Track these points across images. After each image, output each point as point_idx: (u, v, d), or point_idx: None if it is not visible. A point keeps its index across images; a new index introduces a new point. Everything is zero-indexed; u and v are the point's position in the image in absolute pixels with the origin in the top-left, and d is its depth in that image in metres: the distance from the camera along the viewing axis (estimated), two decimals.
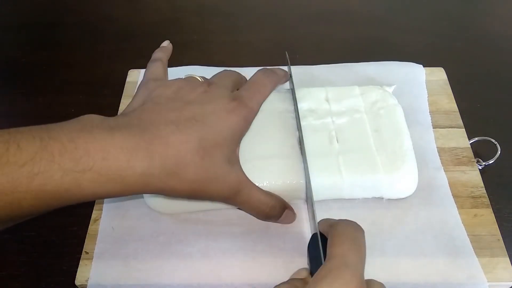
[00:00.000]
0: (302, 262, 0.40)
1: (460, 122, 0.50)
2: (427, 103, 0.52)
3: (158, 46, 0.64)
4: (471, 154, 0.47)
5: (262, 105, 0.44)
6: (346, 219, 0.34)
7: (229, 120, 0.36)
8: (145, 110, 0.35)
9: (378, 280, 0.39)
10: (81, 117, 0.33)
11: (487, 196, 0.44)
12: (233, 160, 0.37)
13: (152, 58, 0.43)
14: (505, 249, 0.40)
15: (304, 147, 0.43)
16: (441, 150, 0.47)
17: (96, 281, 0.39)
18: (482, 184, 0.45)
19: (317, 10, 0.69)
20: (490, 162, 0.48)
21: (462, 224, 0.42)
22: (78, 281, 0.40)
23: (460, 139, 0.48)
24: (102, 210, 0.44)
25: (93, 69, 0.61)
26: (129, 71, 0.57)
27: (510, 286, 0.39)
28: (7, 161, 0.27)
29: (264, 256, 0.40)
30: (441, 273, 0.39)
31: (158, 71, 0.41)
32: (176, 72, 0.55)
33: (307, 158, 0.43)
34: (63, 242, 0.43)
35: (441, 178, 0.45)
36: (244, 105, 0.38)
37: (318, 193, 0.43)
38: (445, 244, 0.41)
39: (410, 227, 0.42)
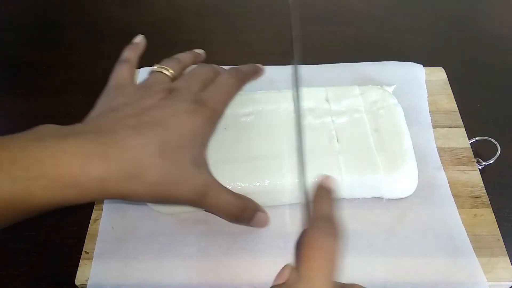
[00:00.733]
0: None
1: (460, 122, 0.50)
2: (427, 103, 0.52)
3: (158, 46, 0.64)
4: (471, 154, 0.47)
5: (260, 104, 0.44)
6: (321, 221, 0.30)
7: (191, 122, 0.35)
8: (103, 117, 0.35)
9: (378, 280, 0.39)
10: (36, 127, 0.32)
11: (487, 196, 0.44)
12: (200, 162, 0.37)
13: (120, 58, 0.42)
14: (505, 249, 0.40)
15: (301, 148, 0.43)
16: (441, 150, 0.47)
17: (96, 281, 0.39)
18: (482, 184, 0.45)
19: (317, 10, 0.69)
20: (490, 162, 0.48)
21: (462, 224, 0.42)
22: (78, 281, 0.40)
23: (460, 139, 0.49)
24: (102, 210, 0.44)
25: (93, 69, 0.61)
26: None
27: (510, 286, 0.39)
28: None
29: (264, 256, 0.40)
30: (441, 273, 0.39)
31: (123, 75, 0.40)
32: None
33: (307, 158, 0.43)
34: (63, 242, 0.43)
35: (441, 178, 0.45)
36: (206, 106, 0.37)
37: None
38: (445, 244, 0.41)
39: (410, 227, 0.42)
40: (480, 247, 0.40)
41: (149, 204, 0.43)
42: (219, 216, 0.40)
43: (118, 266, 0.40)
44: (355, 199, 0.44)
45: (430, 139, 0.48)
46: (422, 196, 0.44)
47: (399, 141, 0.45)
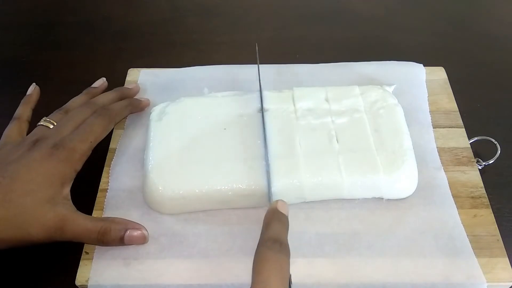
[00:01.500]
0: (302, 262, 0.40)
1: (460, 121, 0.50)
2: (427, 103, 0.52)
3: (158, 46, 0.64)
4: (471, 154, 0.47)
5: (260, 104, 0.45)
6: (269, 241, 0.34)
7: (43, 166, 0.41)
8: None
9: (378, 281, 0.39)
10: None
11: (486, 196, 0.44)
12: (56, 199, 0.40)
13: (14, 115, 0.47)
14: (504, 249, 0.40)
15: (267, 150, 0.43)
16: (441, 150, 0.47)
17: (96, 281, 0.39)
18: (481, 184, 0.45)
19: (317, 10, 0.69)
20: (490, 162, 0.48)
21: (461, 224, 0.42)
22: (78, 281, 0.40)
23: (460, 139, 0.48)
24: (102, 210, 0.44)
25: (93, 68, 0.61)
26: (128, 70, 0.57)
27: (510, 286, 0.39)
28: None
29: None
30: (440, 273, 0.39)
31: (10, 133, 0.45)
32: (176, 73, 0.56)
33: (307, 158, 0.43)
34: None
35: (441, 178, 0.45)
36: (63, 148, 0.42)
37: (318, 193, 0.43)
38: (445, 244, 0.41)
39: (410, 227, 0.42)
40: (479, 248, 0.40)
41: (149, 204, 0.44)
42: (86, 243, 0.42)
43: (118, 266, 0.40)
44: (355, 199, 0.44)
45: (430, 139, 0.48)
46: (422, 196, 0.44)
47: (399, 141, 0.45)
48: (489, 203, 0.44)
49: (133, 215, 0.43)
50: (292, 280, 0.34)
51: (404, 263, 0.40)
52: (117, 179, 0.46)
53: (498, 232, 0.42)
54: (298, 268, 0.39)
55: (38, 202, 0.39)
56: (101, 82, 0.53)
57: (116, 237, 0.40)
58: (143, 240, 0.41)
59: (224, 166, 0.43)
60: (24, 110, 0.48)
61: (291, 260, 0.40)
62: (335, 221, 0.42)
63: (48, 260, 0.42)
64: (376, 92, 0.49)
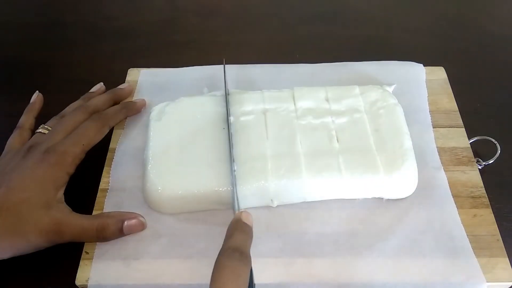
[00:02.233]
0: (302, 262, 0.40)
1: (460, 121, 0.50)
2: (427, 103, 0.52)
3: (158, 46, 0.64)
4: (471, 154, 0.47)
5: (260, 104, 0.45)
6: (229, 250, 0.34)
7: (36, 173, 0.41)
8: None
9: (378, 280, 0.39)
10: None
11: (486, 196, 0.44)
12: (50, 204, 0.41)
13: (18, 124, 0.48)
14: (504, 249, 0.40)
15: (232, 153, 0.43)
16: (441, 150, 0.47)
17: (96, 281, 0.39)
18: (481, 184, 0.45)
19: (317, 10, 0.69)
20: (490, 162, 0.48)
21: (461, 224, 0.42)
22: (78, 281, 0.40)
23: (460, 139, 0.48)
24: (102, 210, 0.44)
25: (93, 68, 0.61)
26: (128, 70, 0.57)
27: (509, 286, 0.39)
28: None
29: (264, 256, 0.40)
30: (440, 273, 0.39)
31: (12, 142, 0.46)
32: (176, 73, 0.56)
33: (307, 157, 0.43)
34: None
35: (441, 178, 0.45)
36: (54, 152, 0.43)
37: (318, 193, 0.43)
38: (445, 244, 0.41)
39: (410, 227, 0.42)
40: (479, 248, 0.40)
41: (149, 204, 0.44)
42: (86, 242, 0.42)
43: (118, 266, 0.40)
44: (355, 199, 0.44)
45: (430, 139, 0.48)
46: (422, 196, 0.44)
47: (399, 141, 0.45)
48: (489, 203, 0.44)
49: None
50: None
51: (404, 263, 0.40)
52: (117, 179, 0.46)
53: (498, 232, 0.42)
54: (298, 268, 0.39)
55: (33, 209, 0.40)
56: (98, 87, 0.53)
57: (115, 230, 0.41)
58: (141, 226, 0.42)
59: (224, 166, 0.43)
60: (26, 119, 0.48)
61: (290, 260, 0.40)
62: (335, 221, 0.42)
63: (48, 260, 0.42)
64: (376, 92, 0.49)
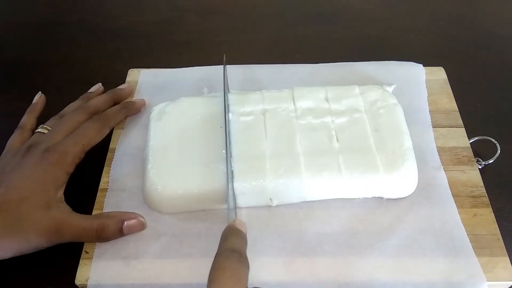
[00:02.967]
0: (302, 261, 0.40)
1: (460, 121, 0.50)
2: (427, 103, 0.52)
3: (158, 46, 0.64)
4: (471, 153, 0.47)
5: (260, 104, 0.45)
6: (227, 251, 0.33)
7: (35, 172, 0.41)
8: None
9: (378, 280, 0.39)
10: None
11: (486, 196, 0.44)
12: (50, 203, 0.41)
13: (19, 123, 0.48)
14: (504, 248, 0.40)
15: (229, 152, 0.43)
16: (441, 150, 0.47)
17: (96, 281, 0.39)
18: (482, 184, 0.45)
19: (317, 10, 0.69)
20: (490, 162, 0.48)
21: (461, 224, 0.42)
22: (78, 281, 0.40)
23: (460, 139, 0.48)
24: (102, 210, 0.44)
25: (93, 68, 0.61)
26: (129, 70, 0.57)
27: (510, 285, 0.39)
28: None
29: (264, 256, 0.40)
30: (441, 273, 0.39)
31: (12, 142, 0.46)
32: (176, 73, 0.56)
33: (307, 157, 0.43)
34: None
35: (441, 177, 0.45)
36: (54, 152, 0.43)
37: (318, 193, 0.43)
38: (445, 244, 0.41)
39: (410, 227, 0.42)
40: (479, 247, 0.40)
41: (149, 204, 0.44)
42: (85, 242, 0.42)
43: (118, 266, 0.40)
44: (355, 199, 0.44)
45: (430, 139, 0.48)
46: (422, 196, 0.44)
47: (399, 141, 0.45)
48: (489, 202, 0.43)
49: None
50: None
51: (404, 262, 0.40)
52: (117, 179, 0.46)
53: (499, 231, 0.42)
54: (298, 267, 0.39)
55: (33, 208, 0.40)
56: (97, 87, 0.53)
57: (114, 230, 0.41)
58: (141, 226, 0.42)
59: (224, 166, 0.43)
60: (28, 119, 0.48)
61: (290, 260, 0.40)
62: (335, 221, 0.42)
63: (48, 260, 0.42)
64: (376, 92, 0.49)
